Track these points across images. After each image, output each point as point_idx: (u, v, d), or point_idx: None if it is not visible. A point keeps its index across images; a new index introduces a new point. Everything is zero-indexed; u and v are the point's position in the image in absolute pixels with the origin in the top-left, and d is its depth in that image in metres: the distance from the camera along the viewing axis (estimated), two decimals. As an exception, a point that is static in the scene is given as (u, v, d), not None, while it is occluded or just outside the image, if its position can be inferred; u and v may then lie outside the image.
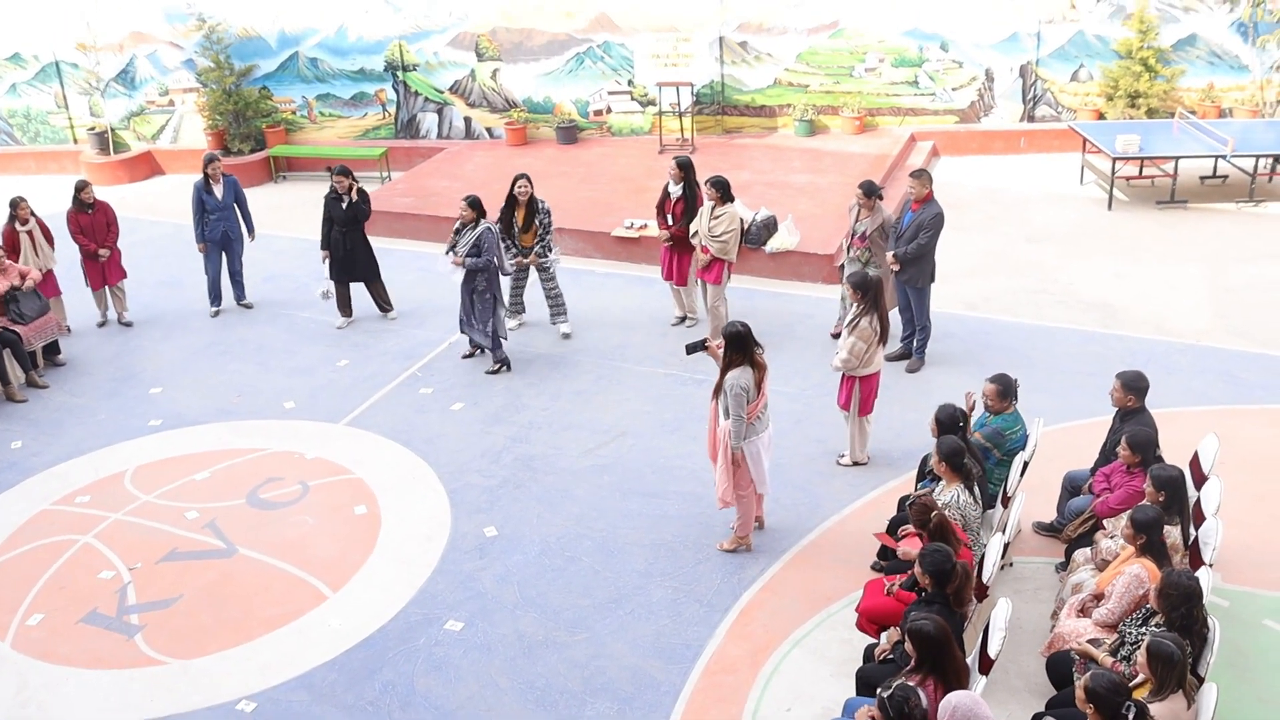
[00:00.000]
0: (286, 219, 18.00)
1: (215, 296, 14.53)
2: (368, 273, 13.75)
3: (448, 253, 12.29)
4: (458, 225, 12.44)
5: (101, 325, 14.38)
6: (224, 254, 14.38)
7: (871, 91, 18.87)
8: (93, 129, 21.01)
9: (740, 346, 8.72)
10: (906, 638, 6.39)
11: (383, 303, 14.02)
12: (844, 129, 18.89)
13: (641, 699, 7.86)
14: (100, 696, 8.25)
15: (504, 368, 12.49)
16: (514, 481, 10.47)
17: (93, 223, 13.93)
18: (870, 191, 11.80)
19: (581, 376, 12.28)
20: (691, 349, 9.14)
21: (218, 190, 14.04)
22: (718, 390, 8.84)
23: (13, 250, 13.43)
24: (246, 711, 7.98)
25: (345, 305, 13.94)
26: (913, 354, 12.05)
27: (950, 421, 8.44)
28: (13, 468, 11.34)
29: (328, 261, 13.61)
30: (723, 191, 12.18)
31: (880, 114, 18.96)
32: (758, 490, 9.11)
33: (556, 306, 13.18)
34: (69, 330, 14.21)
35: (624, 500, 10.05)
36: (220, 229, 14.11)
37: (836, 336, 12.44)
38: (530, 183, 12.75)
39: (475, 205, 12.30)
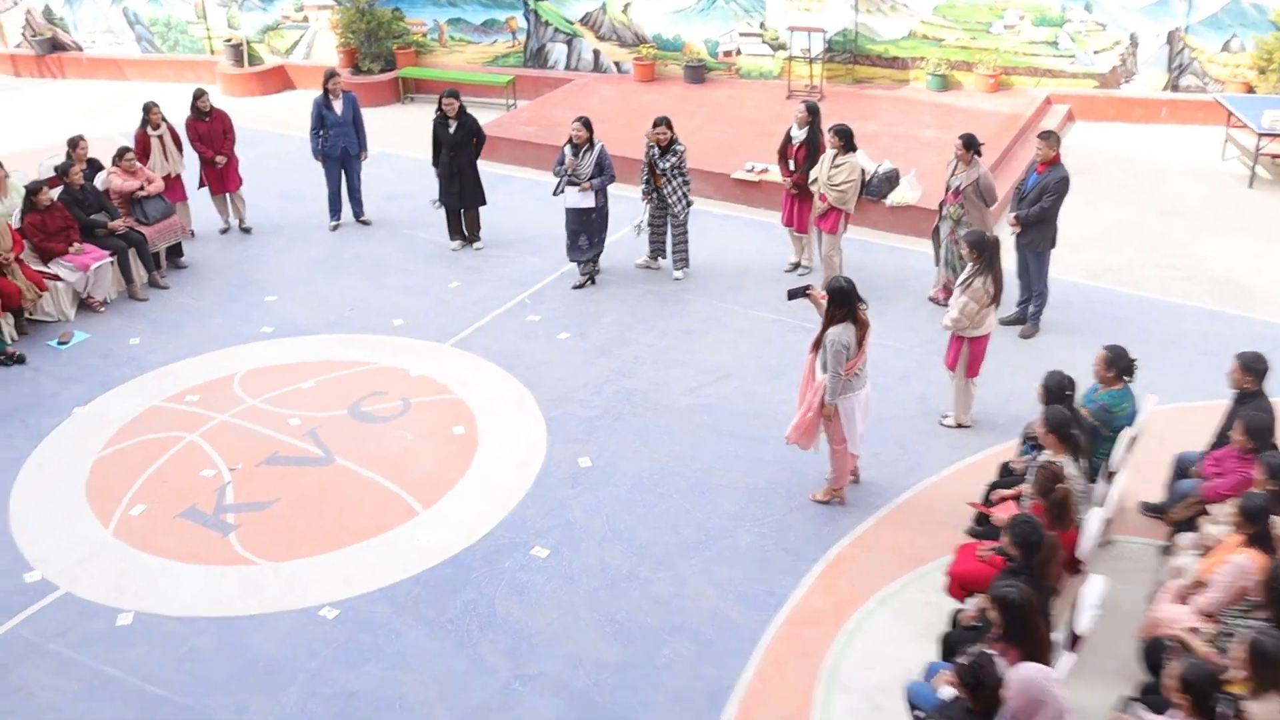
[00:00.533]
0: (410, 140, 18.03)
1: (335, 210, 14.64)
2: (470, 198, 13.69)
3: (562, 178, 12.33)
4: (567, 148, 12.41)
5: (224, 231, 14.59)
6: (343, 170, 14.43)
7: (1009, 49, 18.25)
8: (229, 41, 21.26)
9: (843, 302, 8.51)
10: (991, 604, 6.18)
11: (472, 230, 13.95)
12: (977, 86, 18.31)
13: (720, 642, 7.76)
14: (192, 590, 8.41)
15: (590, 281, 12.84)
16: (613, 414, 10.41)
17: (210, 130, 14.08)
18: (969, 144, 11.42)
19: (691, 316, 12.14)
20: (793, 295, 8.97)
21: (337, 106, 14.06)
22: (817, 344, 8.65)
23: (144, 154, 13.67)
24: (328, 618, 8.07)
25: (457, 229, 13.93)
26: (1027, 320, 11.68)
27: (1058, 389, 8.14)
28: (130, 363, 11.59)
29: (439, 181, 13.66)
30: (845, 140, 11.88)
31: (1016, 73, 18.33)
32: (850, 450, 8.92)
33: (680, 255, 12.95)
34: (193, 234, 14.44)
35: (721, 442, 9.93)
36: (339, 145, 14.15)
37: (933, 300, 12.12)
38: (670, 127, 12.39)
39: (588, 125, 12.38)
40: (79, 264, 12.42)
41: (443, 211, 13.94)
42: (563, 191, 12.49)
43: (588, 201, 12.49)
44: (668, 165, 12.38)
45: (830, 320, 8.55)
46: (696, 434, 10.08)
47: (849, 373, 8.58)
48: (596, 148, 12.44)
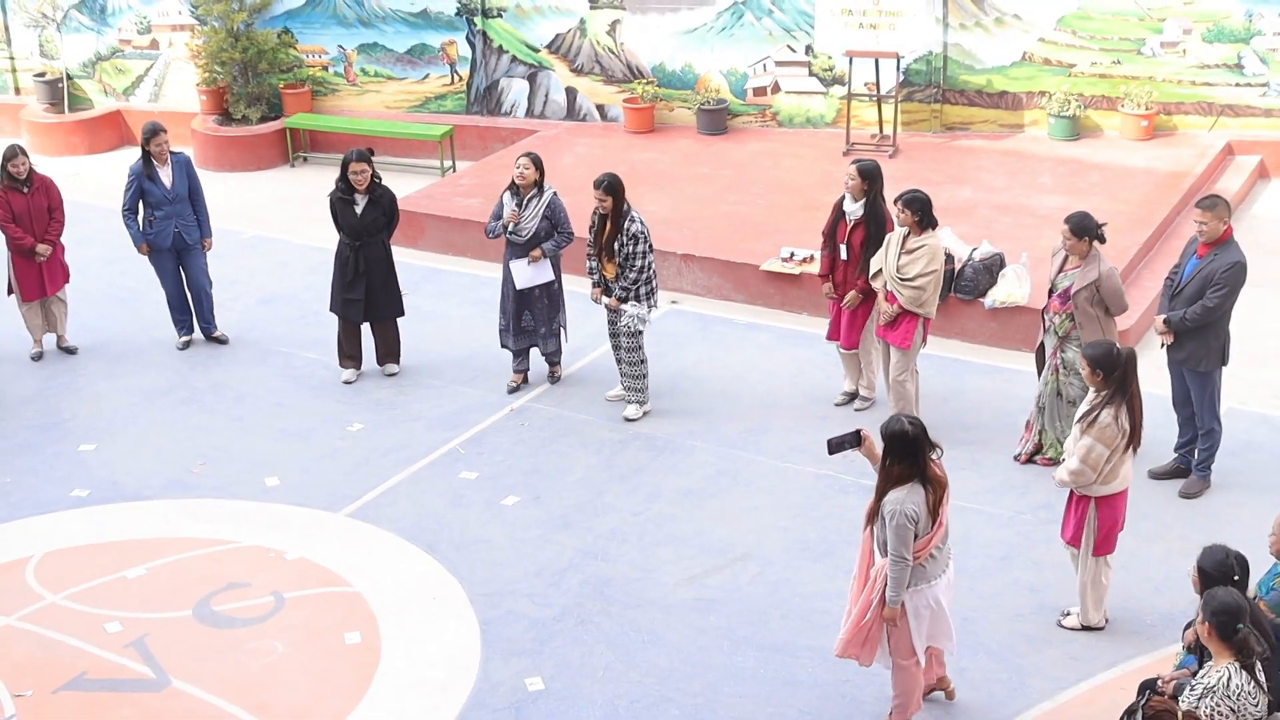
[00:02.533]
0: (298, 218, 18.48)
1: (181, 322, 15.00)
2: (382, 307, 14.01)
3: (498, 233, 13.16)
4: (506, 194, 13.05)
5: (37, 358, 14.85)
6: (180, 265, 14.73)
7: (1170, 77, 18.71)
8: (42, 75, 21.87)
9: (906, 453, 8.67)
10: None
11: (387, 350, 14.27)
12: (1124, 131, 18.75)
13: None
14: None
15: (544, 379, 13.90)
16: (578, 614, 10.55)
17: (29, 206, 14.43)
18: (1081, 229, 11.70)
19: (694, 470, 12.35)
20: (837, 446, 9.03)
21: (165, 175, 14.43)
22: (872, 516, 8.84)
23: (-95, 237, 14.02)
24: None
25: (354, 350, 14.18)
26: (1192, 470, 11.86)
27: (1220, 572, 8.28)
28: (-125, 542, 11.79)
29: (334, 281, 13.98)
30: (921, 214, 12.19)
31: (1181, 110, 18.78)
32: (941, 647, 9.10)
33: (634, 384, 13.25)
34: (-25, 355, 14.75)
35: (734, 653, 10.05)
36: (170, 229, 14.46)
37: (1018, 458, 12.34)
38: (612, 192, 12.70)
39: (538, 164, 13.02)
40: None
41: (333, 327, 14.17)
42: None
43: (543, 277, 13.04)
44: (618, 249, 12.78)
45: (889, 480, 8.72)
46: (698, 642, 10.18)
47: (922, 554, 8.75)
48: (546, 195, 13.06)
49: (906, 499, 8.62)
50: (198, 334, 15.08)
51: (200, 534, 11.65)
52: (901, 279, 12.16)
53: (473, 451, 12.76)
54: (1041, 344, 12.12)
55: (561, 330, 13.65)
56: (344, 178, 13.61)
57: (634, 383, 13.18)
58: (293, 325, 15.48)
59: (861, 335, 12.98)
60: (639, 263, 12.73)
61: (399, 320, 14.25)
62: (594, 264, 13.02)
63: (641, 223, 12.76)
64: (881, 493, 8.72)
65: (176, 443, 13.12)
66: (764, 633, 10.25)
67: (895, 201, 12.29)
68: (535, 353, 13.80)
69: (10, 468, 12.81)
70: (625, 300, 12.85)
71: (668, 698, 9.66)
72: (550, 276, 13.25)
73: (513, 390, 13.70)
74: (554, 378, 13.86)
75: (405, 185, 18.98)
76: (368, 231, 13.65)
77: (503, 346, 13.67)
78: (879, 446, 8.85)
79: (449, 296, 16.00)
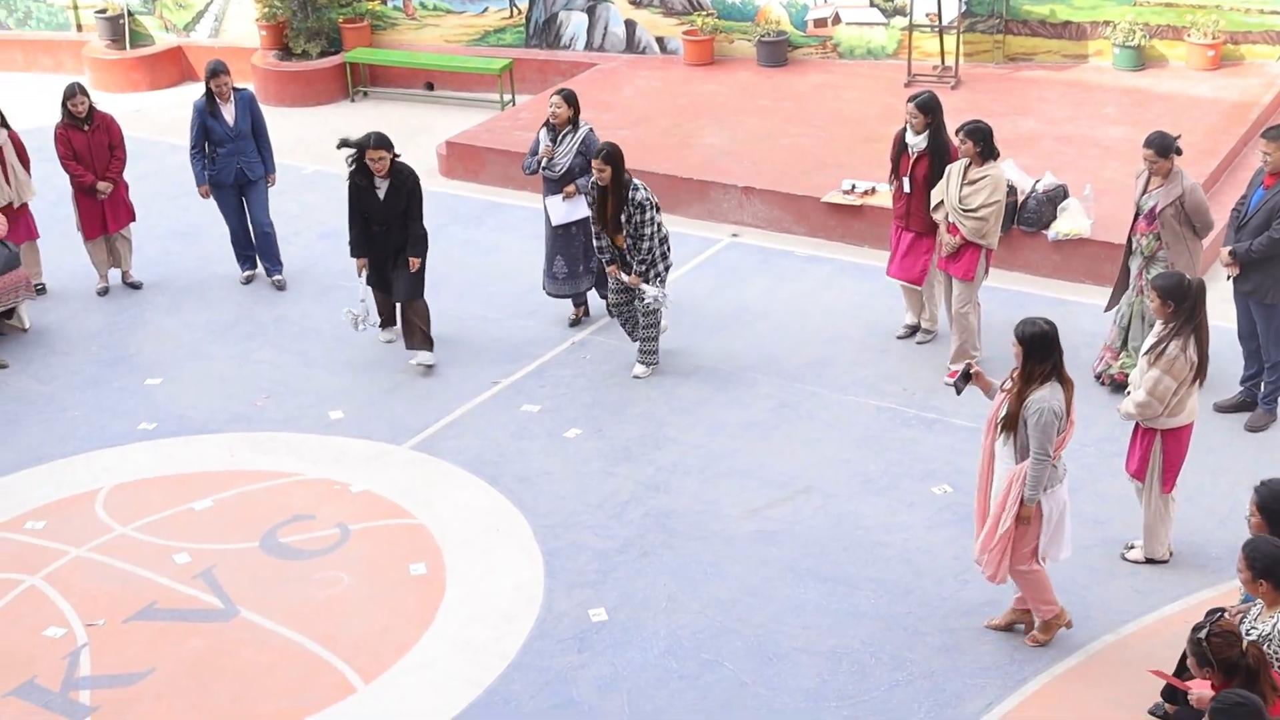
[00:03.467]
0: (361, 152, 18.55)
1: (244, 257, 15.13)
2: (407, 287, 13.11)
3: (534, 169, 13.23)
4: (543, 131, 13.11)
5: (103, 294, 15.01)
6: (243, 201, 14.81)
7: (1237, 5, 18.49)
8: (103, 11, 21.95)
9: (1047, 352, 8.95)
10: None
11: (416, 335, 13.26)
12: (1190, 61, 18.55)
13: None
14: (27, 800, 8.64)
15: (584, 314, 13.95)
16: (640, 546, 10.62)
17: (90, 144, 14.52)
18: (1163, 148, 11.64)
19: (756, 403, 12.37)
20: (964, 382, 9.32)
21: (227, 113, 14.49)
22: (1011, 422, 9.01)
23: (-27, 173, 14.14)
24: (222, 839, 8.27)
25: (389, 311, 13.77)
26: (1258, 403, 11.80)
27: (1278, 507, 8.25)
28: (-53, 474, 11.96)
29: (365, 272, 13.33)
30: (983, 145, 12.12)
31: (1248, 40, 18.57)
32: (1056, 557, 9.31)
33: (646, 345, 13.00)
34: (42, 289, 14.89)
35: (796, 585, 10.10)
36: (233, 166, 14.53)
37: (1100, 380, 12.28)
38: (611, 162, 12.23)
39: (572, 100, 13.04)
40: (-121, 334, 12.84)
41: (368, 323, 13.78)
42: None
43: (577, 212, 13.08)
44: (626, 220, 12.43)
45: (1029, 381, 8.93)
46: (760, 574, 10.24)
47: (1057, 454, 8.98)
48: (580, 131, 13.10)
49: (1050, 397, 8.90)
50: (260, 269, 15.17)
51: (266, 467, 11.76)
52: (964, 210, 12.10)
53: (536, 385, 12.79)
54: (1125, 267, 12.05)
55: (597, 268, 13.59)
56: (357, 163, 12.81)
57: (647, 345, 12.93)
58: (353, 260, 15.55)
59: (924, 268, 12.94)
60: (648, 230, 12.39)
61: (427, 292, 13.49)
62: (604, 241, 12.67)
63: (646, 190, 12.42)
64: (1021, 396, 8.93)
65: (241, 377, 13.22)
66: (826, 565, 10.29)
67: (957, 132, 12.22)
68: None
69: (78, 402, 12.94)
70: (645, 276, 12.52)
71: (730, 629, 9.72)
72: (585, 212, 13.17)
73: (573, 324, 13.75)
74: (574, 321, 13.93)
75: (464, 119, 19.04)
76: (393, 216, 12.87)
77: (547, 293, 13.75)
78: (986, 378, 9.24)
79: (508, 230, 16.02)
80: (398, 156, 12.84)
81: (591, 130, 13.25)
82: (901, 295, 13.35)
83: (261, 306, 14.53)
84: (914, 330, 13.31)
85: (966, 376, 9.30)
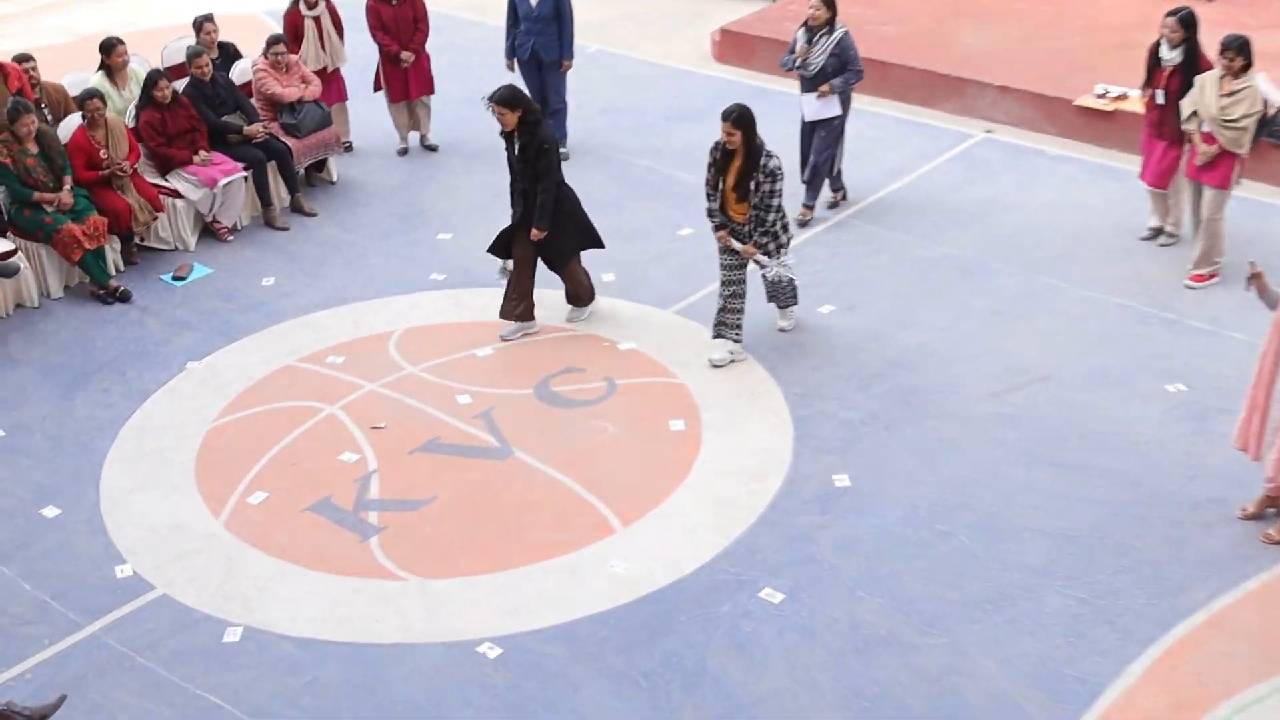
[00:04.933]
0: (641, 35, 18.44)
1: (539, 121, 15.15)
2: (556, 248, 11.62)
3: (790, 67, 12.83)
4: (800, 32, 12.77)
5: (402, 154, 15.28)
6: (542, 80, 14.78)
7: None
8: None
9: None
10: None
11: (573, 293, 11.95)
12: None
13: (1006, 738, 7.83)
14: (318, 606, 8.91)
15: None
16: (884, 419, 10.50)
17: (397, 18, 14.72)
18: None
19: (999, 292, 12.10)
20: (1249, 283, 9.04)
21: None
22: None
23: (295, 39, 14.42)
24: (488, 657, 8.44)
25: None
26: None
27: None
28: (259, 308, 12.30)
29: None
30: (1246, 57, 11.62)
31: None
32: None
33: (784, 301, 11.73)
34: (349, 147, 15.16)
35: (1029, 468, 9.91)
36: (529, 45, 14.48)
37: None
38: (743, 125, 10.56)
39: (830, 3, 12.63)
40: (204, 178, 13.23)
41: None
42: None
43: (829, 111, 12.84)
44: (754, 188, 10.80)
45: None
46: (995, 454, 10.08)
47: None
48: (836, 33, 12.66)
49: None
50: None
51: (542, 320, 11.83)
52: (1225, 121, 11.63)
53: (791, 262, 12.62)
54: None
55: (833, 161, 13.32)
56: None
57: (791, 301, 11.63)
58: (629, 135, 15.56)
59: (1172, 175, 12.51)
60: (776, 201, 10.77)
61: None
62: (715, 205, 10.94)
63: (778, 158, 10.77)
64: None
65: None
66: (1060, 451, 10.06)
67: (1220, 45, 11.71)
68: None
69: (377, 250, 13.19)
70: (766, 249, 10.93)
71: (964, 504, 9.58)
72: (837, 111, 12.94)
73: (802, 224, 13.31)
74: (834, 204, 13.67)
75: (738, 8, 18.78)
76: (524, 177, 11.32)
77: (802, 181, 13.42)
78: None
79: (772, 116, 15.69)
80: (532, 117, 11.12)
81: (848, 33, 12.85)
82: (1148, 198, 12.91)
83: (545, 173, 14.62)
84: (1158, 232, 12.87)
85: (1253, 277, 9.01)
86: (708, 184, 10.91)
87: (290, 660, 8.50)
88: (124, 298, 12.52)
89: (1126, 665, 8.24)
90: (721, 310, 11.22)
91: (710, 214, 11.00)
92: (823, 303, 12.02)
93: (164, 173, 13.35)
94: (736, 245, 10.95)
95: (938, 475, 9.88)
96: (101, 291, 12.52)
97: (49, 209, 12.26)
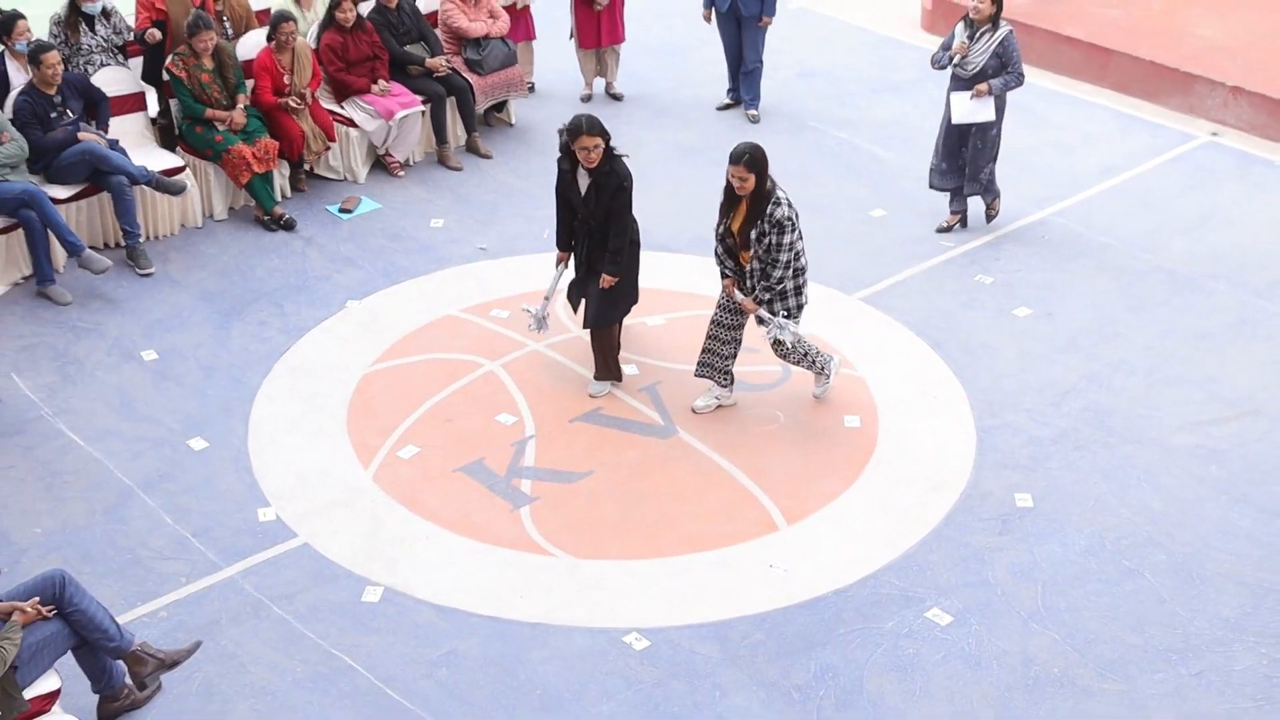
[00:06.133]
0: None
1: (731, 86, 15.15)
2: (601, 309, 10.55)
3: (944, 64, 12.33)
4: (959, 25, 12.31)
5: (586, 100, 15.31)
6: (739, 33, 14.64)
7: None
8: None
9: None
10: None
11: (596, 360, 10.75)
12: None
13: (1182, 802, 7.65)
14: (462, 572, 8.96)
15: (960, 224, 12.88)
16: (1075, 439, 10.29)
17: (597, -43, 14.72)
18: None
19: (1213, 314, 11.78)
20: None
21: None
22: None
23: (487, -31, 14.44)
24: (635, 648, 8.42)
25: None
26: None
27: None
28: (425, 252, 12.36)
29: (563, 267, 10.87)
30: None
31: None
32: None
33: (808, 367, 10.50)
34: (531, 88, 15.17)
35: (1230, 508, 9.65)
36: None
37: None
38: (755, 168, 9.61)
39: None
40: (381, 109, 13.31)
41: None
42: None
43: (983, 114, 12.20)
44: (760, 237, 9.84)
45: None
46: (1194, 490, 9.82)
47: None
48: (1000, 31, 12.09)
49: None
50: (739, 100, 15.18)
51: (716, 293, 11.72)
52: None
53: (992, 256, 12.44)
54: None
55: (988, 173, 12.65)
56: (563, 149, 10.37)
57: (809, 367, 10.48)
58: (827, 102, 15.41)
59: None
60: (783, 256, 9.82)
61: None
62: (721, 247, 10.16)
63: (789, 205, 9.80)
64: None
65: (701, 202, 13.14)
66: (1266, 494, 9.77)
67: None
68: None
69: (551, 202, 13.08)
70: (771, 304, 10.05)
71: (1155, 541, 9.35)
72: (991, 116, 12.32)
73: (941, 230, 12.89)
74: (964, 223, 13.01)
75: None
76: (593, 215, 10.37)
77: (930, 187, 12.94)
78: None
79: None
80: (615, 150, 10.33)
81: (1012, 32, 12.23)
82: (1384, 227, 12.53)
83: (734, 134, 14.31)
84: (1393, 262, 12.45)
85: None
86: (717, 228, 10.17)
87: (429, 629, 8.55)
88: (288, 226, 12.66)
89: (1321, 736, 8.03)
90: (704, 351, 10.42)
91: (717, 259, 10.24)
92: (1019, 304, 11.80)
93: (340, 99, 13.45)
94: (738, 296, 10.16)
95: (1129, 506, 9.65)
96: (266, 217, 12.68)
97: (220, 127, 12.43)
